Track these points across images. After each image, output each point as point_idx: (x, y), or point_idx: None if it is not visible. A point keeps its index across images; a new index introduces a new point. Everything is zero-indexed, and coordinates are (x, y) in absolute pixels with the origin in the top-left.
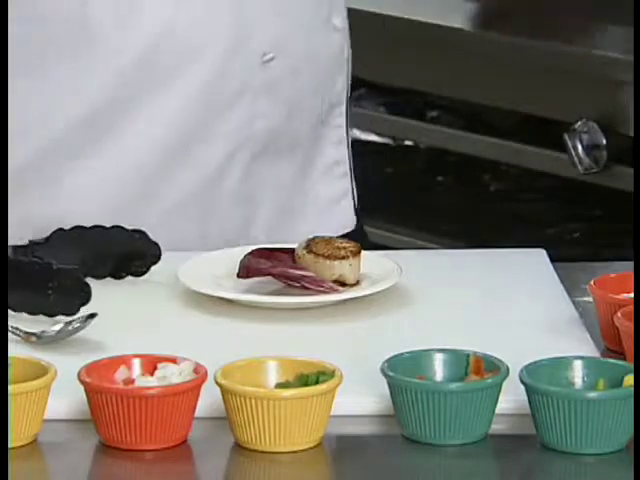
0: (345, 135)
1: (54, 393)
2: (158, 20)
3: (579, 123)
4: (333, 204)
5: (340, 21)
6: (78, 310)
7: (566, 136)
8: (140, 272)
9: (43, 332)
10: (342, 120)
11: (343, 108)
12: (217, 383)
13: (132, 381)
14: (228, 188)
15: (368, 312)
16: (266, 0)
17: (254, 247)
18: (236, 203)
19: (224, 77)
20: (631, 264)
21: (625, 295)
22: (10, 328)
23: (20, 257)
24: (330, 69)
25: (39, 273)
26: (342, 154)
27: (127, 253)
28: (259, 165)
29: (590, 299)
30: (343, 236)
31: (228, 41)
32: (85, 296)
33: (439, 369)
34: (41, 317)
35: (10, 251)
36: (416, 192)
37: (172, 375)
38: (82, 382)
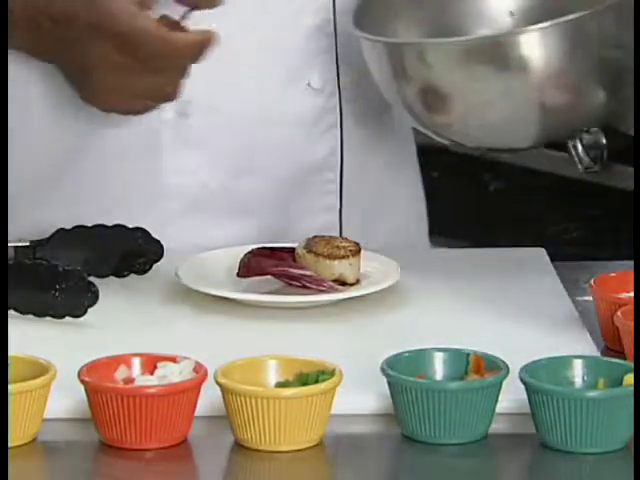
0: (337, 202)
1: (54, 392)
2: None
3: None
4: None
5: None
6: (86, 311)
7: None
8: (142, 270)
9: None
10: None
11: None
12: (217, 382)
13: (132, 380)
14: None
15: (368, 311)
16: None
17: (254, 246)
18: None
19: None
20: (631, 263)
21: (625, 294)
22: None
23: (23, 259)
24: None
25: (45, 275)
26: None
27: (129, 251)
28: None
29: (590, 298)
30: None
31: None
32: (93, 297)
33: (439, 368)
34: (47, 319)
35: (11, 252)
36: None
37: (172, 374)
38: (82, 381)
